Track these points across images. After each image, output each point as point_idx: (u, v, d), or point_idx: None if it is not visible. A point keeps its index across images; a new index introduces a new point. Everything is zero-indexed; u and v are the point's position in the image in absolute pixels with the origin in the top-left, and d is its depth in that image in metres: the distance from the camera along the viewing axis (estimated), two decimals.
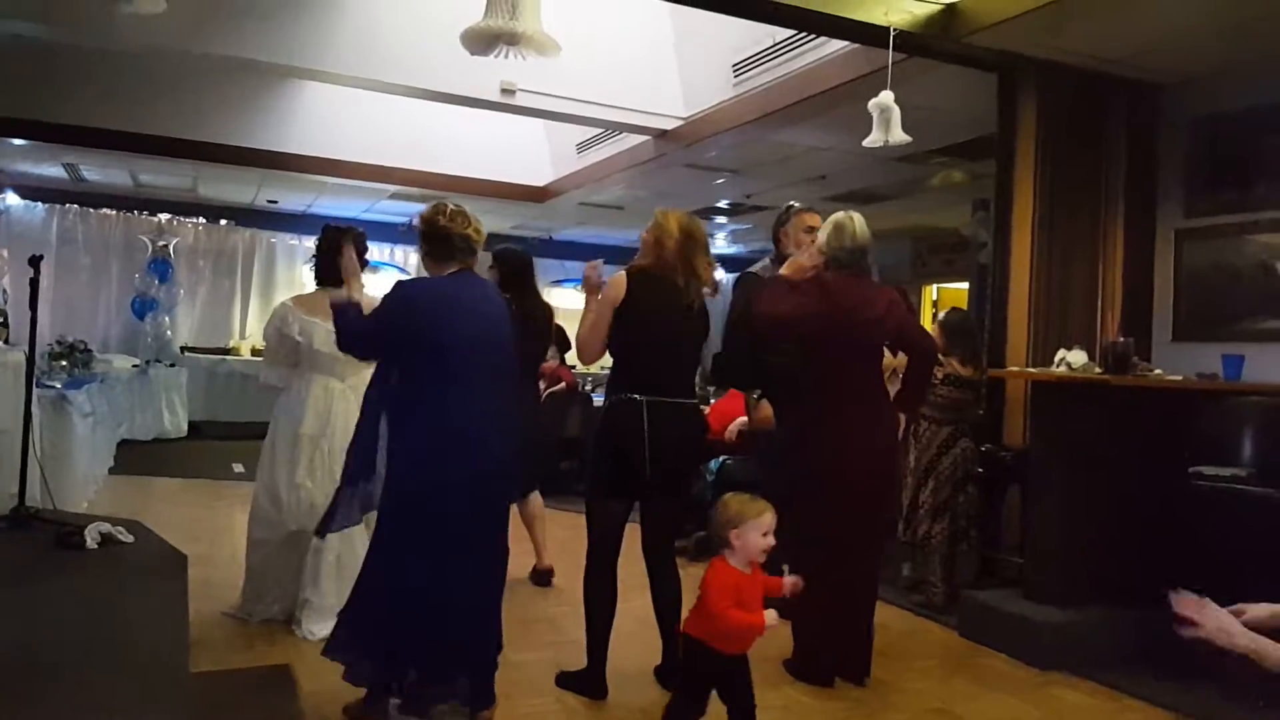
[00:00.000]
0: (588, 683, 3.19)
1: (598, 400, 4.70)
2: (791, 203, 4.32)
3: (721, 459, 5.48)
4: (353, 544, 3.70)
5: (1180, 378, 4.15)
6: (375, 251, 11.27)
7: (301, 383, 3.83)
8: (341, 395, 3.80)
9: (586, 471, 3.25)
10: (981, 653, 3.90)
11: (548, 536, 4.69)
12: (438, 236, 2.89)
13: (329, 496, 3.69)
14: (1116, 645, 3.78)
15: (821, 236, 3.62)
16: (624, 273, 3.26)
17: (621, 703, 3.13)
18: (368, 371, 3.83)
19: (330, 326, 3.77)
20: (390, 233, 11.11)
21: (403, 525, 2.77)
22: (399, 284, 2.89)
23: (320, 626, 3.62)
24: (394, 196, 9.49)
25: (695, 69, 6.21)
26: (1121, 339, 4.17)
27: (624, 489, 3.17)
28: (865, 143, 4.38)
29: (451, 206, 2.93)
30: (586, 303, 3.38)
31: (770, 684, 3.38)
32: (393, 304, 2.81)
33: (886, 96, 4.21)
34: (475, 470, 2.77)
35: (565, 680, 3.25)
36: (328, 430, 3.76)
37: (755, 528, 2.58)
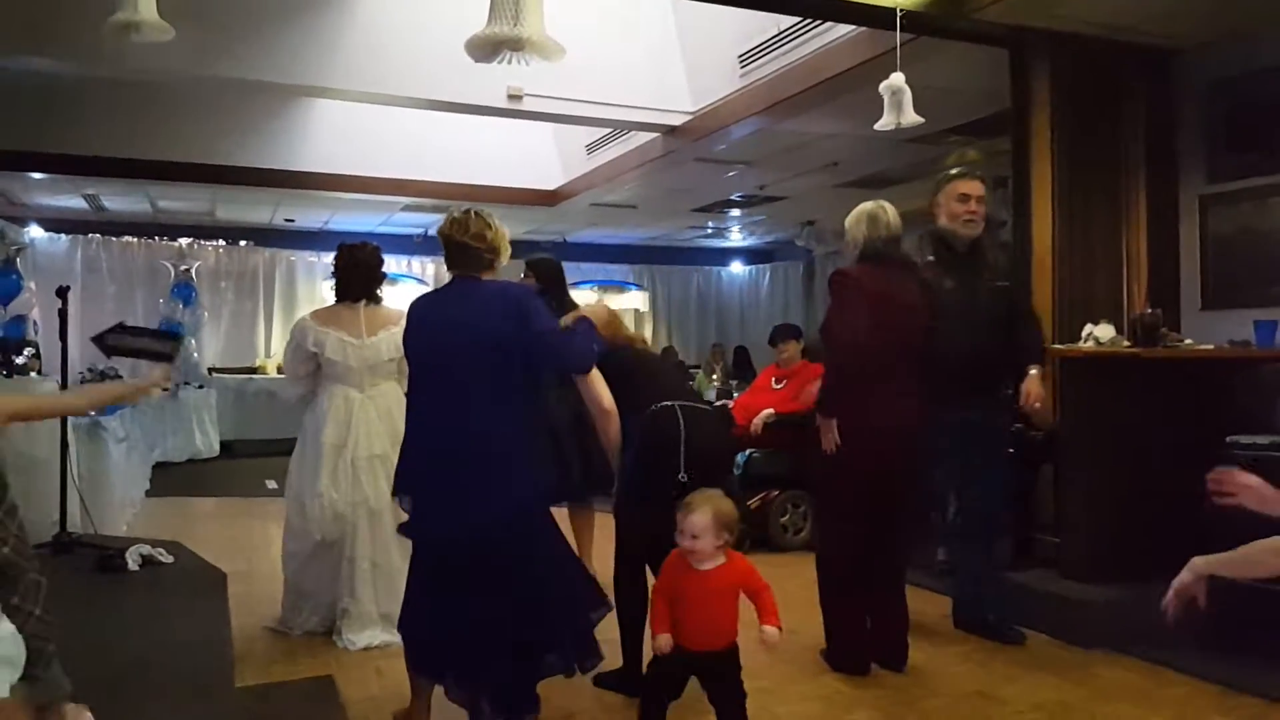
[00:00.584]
0: (626, 681, 3.21)
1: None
2: (951, 170, 4.15)
3: (748, 452, 5.47)
4: (389, 551, 3.73)
5: (1211, 346, 4.09)
6: (392, 264, 11.33)
7: (324, 394, 3.88)
8: (361, 405, 3.83)
9: (619, 477, 3.24)
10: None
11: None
12: (443, 244, 2.90)
13: (354, 505, 3.74)
14: (1156, 620, 3.72)
15: (854, 228, 3.57)
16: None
17: None
18: (386, 384, 3.88)
19: (342, 336, 3.82)
20: (406, 244, 11.17)
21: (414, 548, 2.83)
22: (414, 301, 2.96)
23: (360, 635, 3.66)
24: (407, 209, 9.54)
25: (701, 62, 6.19)
26: (1149, 310, 4.12)
27: (662, 495, 3.16)
28: (877, 126, 4.34)
29: (457, 214, 2.87)
30: None
31: (810, 674, 3.38)
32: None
33: (897, 78, 4.18)
34: (442, 488, 2.64)
35: (604, 680, 3.26)
36: (349, 439, 3.80)
37: (681, 526, 2.62)
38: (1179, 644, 3.56)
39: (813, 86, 5.24)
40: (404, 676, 3.09)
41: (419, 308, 2.91)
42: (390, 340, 3.82)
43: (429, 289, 11.68)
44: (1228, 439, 3.71)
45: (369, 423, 3.81)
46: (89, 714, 1.45)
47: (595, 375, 2.89)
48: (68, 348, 5.06)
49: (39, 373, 6.48)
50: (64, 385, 5.14)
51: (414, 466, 2.74)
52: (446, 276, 2.92)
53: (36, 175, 8.07)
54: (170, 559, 4.97)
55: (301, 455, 3.91)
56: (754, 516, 5.37)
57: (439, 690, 2.77)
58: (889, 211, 3.56)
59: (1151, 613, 3.70)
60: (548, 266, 4.70)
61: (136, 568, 4.80)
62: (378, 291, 3.99)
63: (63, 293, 5.24)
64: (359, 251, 3.98)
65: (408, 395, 2.85)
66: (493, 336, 2.63)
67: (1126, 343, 3.97)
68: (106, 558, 4.79)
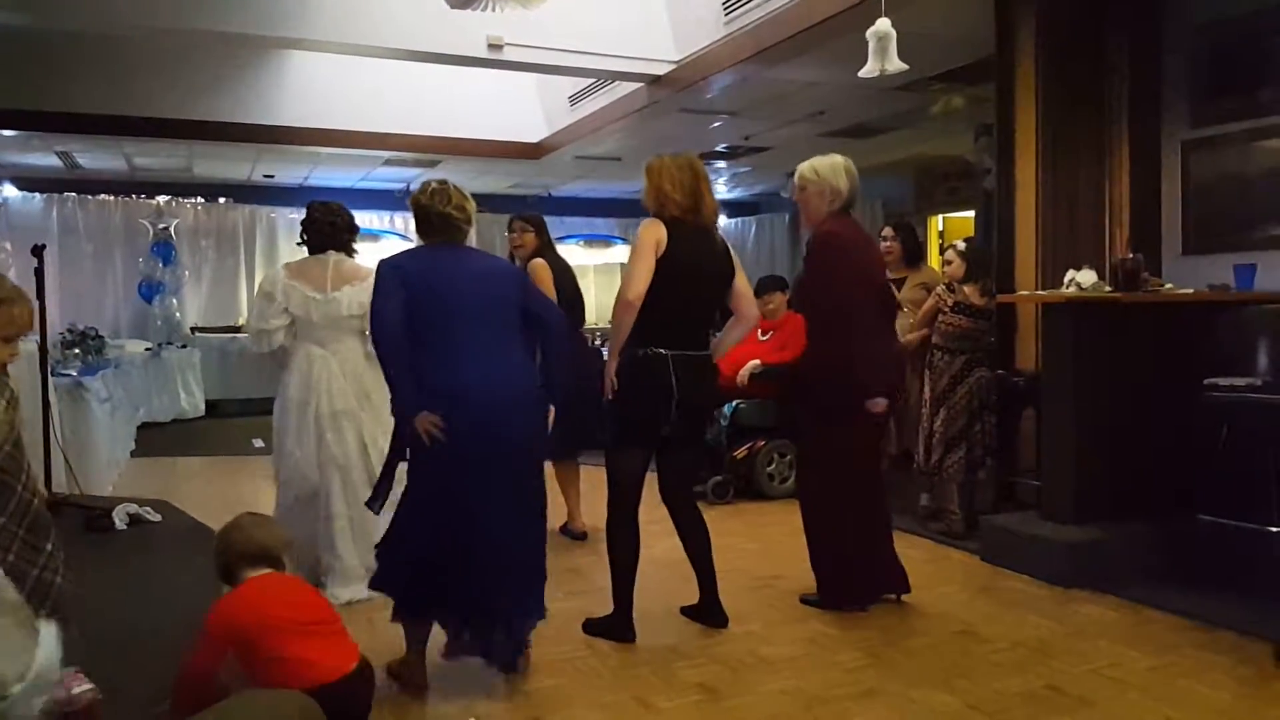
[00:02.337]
0: (616, 627, 3.25)
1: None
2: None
3: (735, 403, 5.50)
4: (363, 505, 3.73)
5: (1191, 290, 4.13)
6: (374, 219, 11.27)
7: (294, 351, 3.87)
8: (323, 361, 3.81)
9: (607, 423, 3.24)
10: (1003, 575, 3.94)
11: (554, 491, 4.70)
12: (419, 215, 2.94)
13: (321, 464, 3.74)
14: (1136, 559, 3.82)
15: (835, 178, 3.52)
16: (657, 219, 3.18)
17: (648, 645, 3.18)
18: (350, 340, 3.85)
19: (306, 290, 3.79)
20: (387, 200, 11.05)
21: (419, 485, 2.80)
22: (380, 261, 2.87)
23: (345, 590, 3.68)
24: (388, 163, 9.43)
25: (685, 11, 6.10)
26: (1131, 255, 4.14)
27: (649, 440, 3.21)
28: (861, 73, 4.31)
29: (434, 184, 2.93)
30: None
31: (796, 618, 3.44)
32: (383, 280, 2.80)
33: (884, 24, 4.14)
34: (479, 431, 2.73)
35: (593, 626, 3.30)
36: (311, 397, 3.79)
37: None
38: (1158, 582, 3.65)
39: (797, 33, 5.18)
40: (396, 628, 3.13)
41: (423, 258, 2.88)
42: (354, 297, 3.78)
43: (412, 245, 11.62)
44: (1206, 381, 3.76)
45: (331, 378, 3.79)
46: (84, 681, 1.46)
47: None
48: (45, 307, 5.00)
49: None
50: (43, 344, 5.09)
51: (454, 392, 2.73)
52: None
53: (8, 132, 7.91)
54: (158, 518, 4.99)
55: (280, 412, 3.91)
56: (740, 466, 5.42)
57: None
58: (850, 161, 3.56)
59: (1131, 551, 3.81)
60: (537, 219, 4.75)
61: (124, 526, 4.82)
62: (351, 244, 3.96)
63: (38, 251, 5.18)
64: (320, 206, 3.97)
65: (422, 334, 2.77)
66: (510, 298, 2.92)
67: (1108, 288, 3.99)
68: (94, 517, 4.80)
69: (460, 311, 2.80)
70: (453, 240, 2.93)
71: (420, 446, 2.74)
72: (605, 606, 3.39)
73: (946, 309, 4.61)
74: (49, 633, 1.16)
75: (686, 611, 3.45)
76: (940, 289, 4.70)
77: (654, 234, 3.13)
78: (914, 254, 5.18)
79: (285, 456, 3.83)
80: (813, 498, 3.62)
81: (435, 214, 2.89)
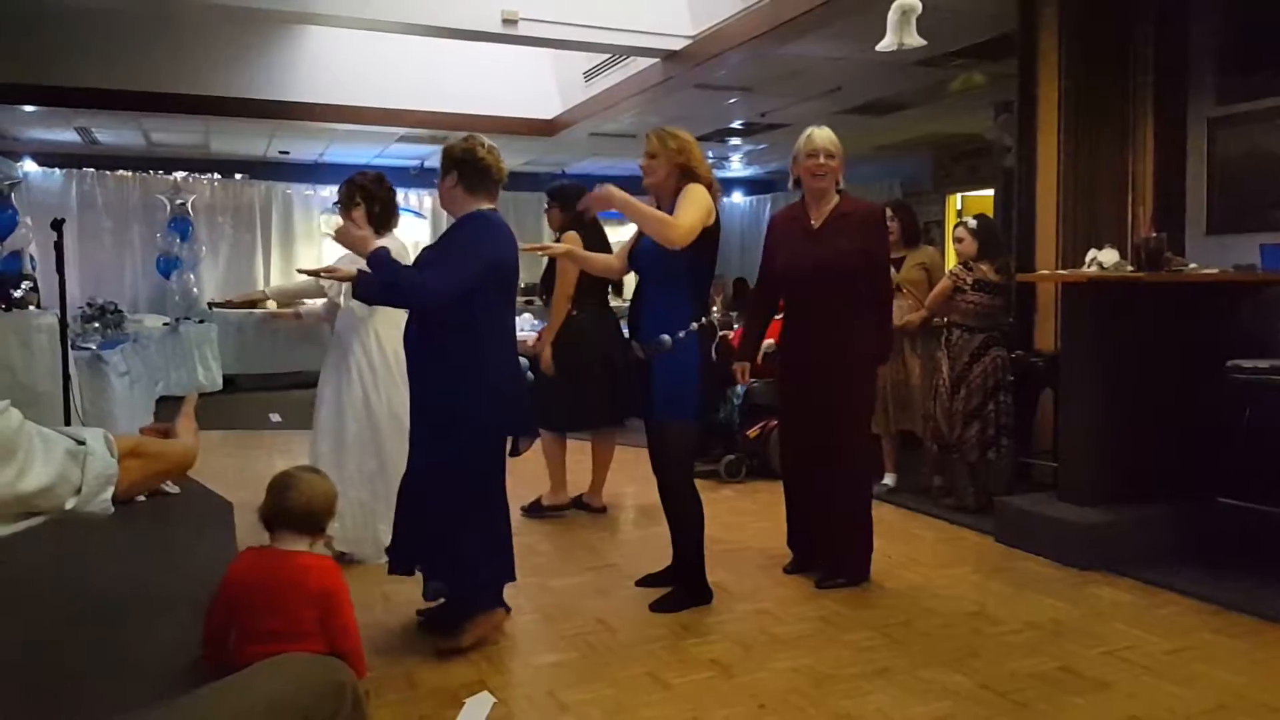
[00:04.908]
0: (695, 591, 3.30)
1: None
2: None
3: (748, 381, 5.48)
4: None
5: (1216, 271, 4.06)
6: None
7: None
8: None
9: (685, 394, 3.19)
10: (1018, 556, 3.92)
11: (574, 464, 4.70)
12: (477, 168, 2.89)
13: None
14: (1152, 542, 3.79)
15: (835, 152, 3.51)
16: (703, 187, 3.19)
17: (658, 621, 3.18)
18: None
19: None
20: (402, 176, 10.96)
21: (487, 470, 2.92)
22: (476, 216, 2.87)
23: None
24: (403, 139, 9.41)
25: None
26: (1154, 235, 4.08)
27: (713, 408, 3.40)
28: (879, 47, 4.25)
29: (485, 141, 2.94)
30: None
31: (807, 597, 3.44)
32: (478, 236, 2.83)
33: None
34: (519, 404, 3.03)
35: (669, 603, 3.27)
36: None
37: None
38: (1175, 565, 3.62)
39: (815, 8, 5.11)
40: (412, 599, 3.16)
41: (505, 229, 2.93)
42: None
43: (426, 220, 11.61)
44: (1229, 363, 3.72)
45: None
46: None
47: None
48: (65, 281, 5.03)
49: (38, 306, 6.47)
50: (63, 319, 5.12)
51: (515, 371, 3.00)
52: (442, 211, 2.93)
53: (28, 108, 7.94)
54: (177, 490, 5.02)
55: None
56: (753, 445, 5.41)
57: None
58: None
59: (1147, 533, 3.78)
60: (575, 191, 4.47)
61: (143, 498, 4.86)
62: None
63: (58, 225, 5.19)
64: (382, 178, 3.91)
65: (493, 312, 2.86)
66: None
67: (1130, 267, 3.94)
68: None
69: (511, 287, 2.99)
70: (492, 204, 2.95)
71: (494, 421, 2.89)
72: (618, 582, 3.40)
73: (967, 287, 4.57)
74: (95, 436, 1.17)
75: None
76: (957, 268, 4.65)
77: (710, 200, 3.18)
78: (912, 234, 5.14)
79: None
80: (861, 476, 3.63)
81: (495, 170, 2.91)
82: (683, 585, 3.31)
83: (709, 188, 3.21)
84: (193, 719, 1.30)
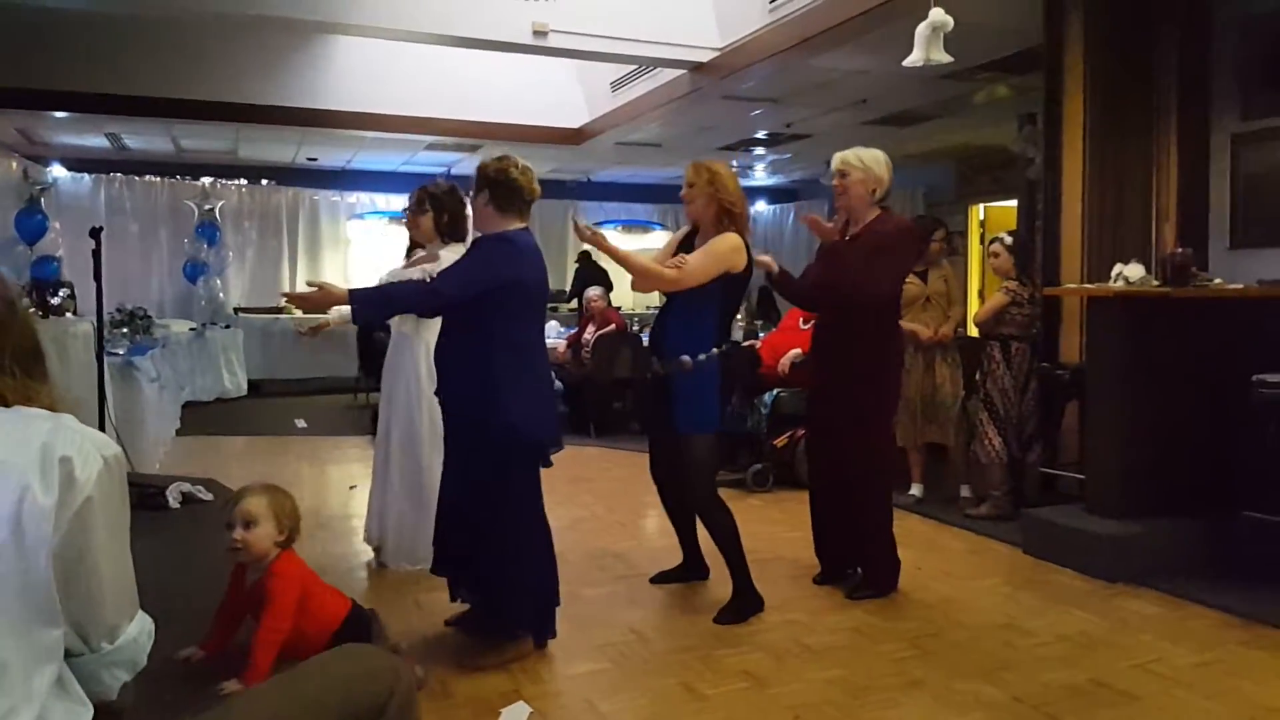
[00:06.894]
0: (750, 602, 3.36)
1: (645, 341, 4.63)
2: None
3: (775, 392, 5.52)
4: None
5: (1241, 286, 4.08)
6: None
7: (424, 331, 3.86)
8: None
9: (704, 409, 3.28)
10: (1046, 569, 3.94)
11: (604, 475, 4.76)
12: (510, 188, 2.92)
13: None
14: (1181, 554, 3.80)
15: (880, 171, 3.55)
16: (741, 242, 3.30)
17: (690, 632, 3.23)
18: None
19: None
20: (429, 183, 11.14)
21: (531, 502, 2.96)
22: (501, 237, 2.91)
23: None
24: (430, 147, 9.48)
25: None
26: (1180, 250, 4.10)
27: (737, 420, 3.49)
28: (906, 63, 4.29)
29: (519, 161, 2.97)
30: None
31: (838, 607, 3.48)
32: (497, 253, 2.87)
33: (940, 14, 4.11)
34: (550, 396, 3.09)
35: (730, 615, 3.31)
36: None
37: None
38: (1202, 578, 3.64)
39: (843, 22, 5.16)
40: (441, 608, 3.22)
41: (533, 247, 2.97)
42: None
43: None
44: (1254, 378, 3.73)
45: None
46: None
47: None
48: (102, 288, 5.12)
49: (74, 313, 6.57)
50: (99, 326, 5.21)
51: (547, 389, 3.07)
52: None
53: (59, 114, 8.07)
54: (210, 496, 5.11)
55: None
56: (780, 454, 5.45)
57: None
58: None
59: (1175, 546, 3.79)
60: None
61: (177, 505, 4.95)
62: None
63: (96, 233, 5.28)
64: (455, 189, 3.95)
65: (516, 329, 2.88)
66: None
67: (1156, 282, 3.96)
68: (148, 495, 4.92)
69: (542, 301, 3.06)
70: (524, 222, 2.99)
71: (529, 436, 2.89)
72: (650, 593, 3.44)
73: (1025, 300, 4.65)
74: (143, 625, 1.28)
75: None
76: (1013, 284, 4.71)
77: (737, 256, 3.26)
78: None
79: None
80: (882, 489, 3.65)
81: (527, 190, 2.95)
82: (736, 596, 3.36)
83: (741, 223, 3.31)
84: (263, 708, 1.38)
